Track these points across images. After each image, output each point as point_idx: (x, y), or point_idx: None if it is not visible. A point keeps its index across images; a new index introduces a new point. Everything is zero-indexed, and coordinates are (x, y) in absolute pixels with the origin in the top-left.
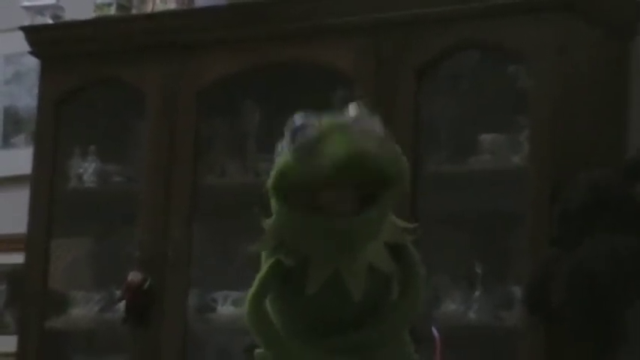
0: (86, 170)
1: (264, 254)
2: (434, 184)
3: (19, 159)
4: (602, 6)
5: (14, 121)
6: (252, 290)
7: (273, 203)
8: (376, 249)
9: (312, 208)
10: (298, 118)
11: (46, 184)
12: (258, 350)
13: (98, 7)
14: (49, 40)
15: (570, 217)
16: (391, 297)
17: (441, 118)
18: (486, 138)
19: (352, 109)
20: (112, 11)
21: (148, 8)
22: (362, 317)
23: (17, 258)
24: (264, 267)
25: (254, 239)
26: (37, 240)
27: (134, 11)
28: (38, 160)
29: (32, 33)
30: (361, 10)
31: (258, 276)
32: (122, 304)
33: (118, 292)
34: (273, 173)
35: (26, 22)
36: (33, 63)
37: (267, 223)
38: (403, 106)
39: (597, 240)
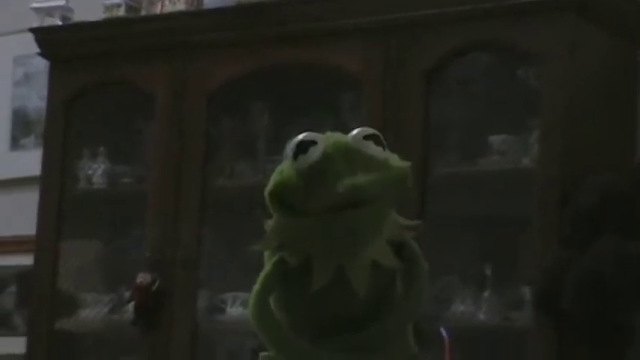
0: (95, 171)
1: (267, 254)
2: (443, 185)
3: (28, 160)
4: (613, 8)
5: (23, 122)
6: (255, 288)
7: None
8: (379, 246)
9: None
10: (302, 135)
11: (55, 185)
12: (263, 354)
13: (107, 8)
14: (58, 42)
15: (579, 219)
16: (395, 293)
17: (450, 120)
18: (496, 139)
19: (356, 130)
20: (121, 12)
21: (157, 9)
22: (367, 314)
23: (26, 259)
24: (268, 265)
25: (259, 239)
26: (46, 241)
27: (143, 12)
28: (47, 161)
29: (41, 34)
30: (369, 12)
31: (262, 274)
32: (131, 306)
33: (127, 294)
34: (272, 181)
35: (35, 24)
36: (42, 64)
37: (269, 223)
38: (412, 108)
39: (606, 242)
